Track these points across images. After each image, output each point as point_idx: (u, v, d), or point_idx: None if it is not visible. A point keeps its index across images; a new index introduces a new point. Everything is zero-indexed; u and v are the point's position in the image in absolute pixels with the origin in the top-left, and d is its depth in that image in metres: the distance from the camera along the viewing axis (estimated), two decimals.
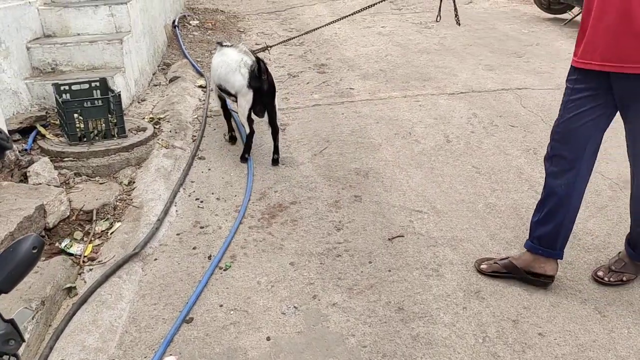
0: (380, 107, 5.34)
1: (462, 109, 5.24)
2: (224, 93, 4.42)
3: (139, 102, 5.50)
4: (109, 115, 4.45)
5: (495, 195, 3.90)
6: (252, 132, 4.31)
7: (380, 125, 4.98)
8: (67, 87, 4.64)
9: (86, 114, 4.32)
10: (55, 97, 4.44)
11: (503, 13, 8.63)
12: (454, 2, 4.06)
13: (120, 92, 4.49)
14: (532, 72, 6.16)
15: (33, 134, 4.46)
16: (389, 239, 3.45)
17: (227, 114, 4.78)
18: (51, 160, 4.16)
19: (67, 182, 4.07)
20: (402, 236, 3.48)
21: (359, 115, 5.20)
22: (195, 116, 5.21)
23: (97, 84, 4.75)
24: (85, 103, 4.31)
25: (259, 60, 4.05)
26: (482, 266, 3.16)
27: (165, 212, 3.72)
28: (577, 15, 7.69)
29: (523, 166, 4.27)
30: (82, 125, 4.34)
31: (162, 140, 4.56)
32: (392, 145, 4.65)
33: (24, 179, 3.97)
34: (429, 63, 6.53)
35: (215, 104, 4.71)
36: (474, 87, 5.74)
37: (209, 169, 4.35)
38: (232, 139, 4.74)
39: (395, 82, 5.97)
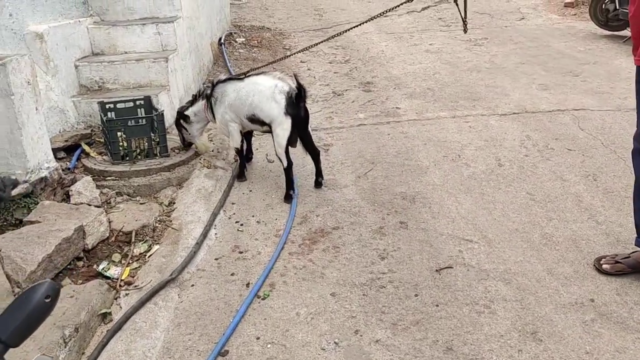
0: (428, 127, 5.15)
1: (514, 131, 4.99)
2: (255, 124, 4.09)
3: None
4: (152, 134, 4.41)
5: (552, 225, 3.64)
6: (290, 163, 4.04)
7: (427, 147, 4.79)
8: (112, 106, 4.65)
9: (129, 132, 4.30)
10: (100, 116, 4.44)
11: (557, 30, 8.30)
12: (464, 5, 3.60)
13: (163, 110, 4.46)
14: (590, 92, 5.84)
15: (77, 152, 4.47)
16: (436, 270, 3.25)
17: (243, 154, 4.48)
18: (94, 179, 4.15)
19: (108, 201, 4.04)
20: (451, 267, 3.27)
21: (405, 136, 5.02)
22: None
23: (142, 102, 4.74)
24: (128, 122, 4.29)
25: (300, 87, 3.82)
26: (604, 266, 3.11)
27: (204, 235, 3.62)
28: None
29: (582, 193, 4.00)
30: (125, 144, 4.32)
31: (204, 160, 4.49)
32: (440, 168, 4.44)
33: (67, 197, 3.96)
34: (479, 82, 6.30)
35: (235, 142, 4.26)
36: (527, 107, 5.47)
37: (250, 190, 4.24)
38: (243, 176, 4.44)
39: (444, 102, 5.77)
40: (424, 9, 9.85)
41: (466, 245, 3.48)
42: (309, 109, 4.09)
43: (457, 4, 3.48)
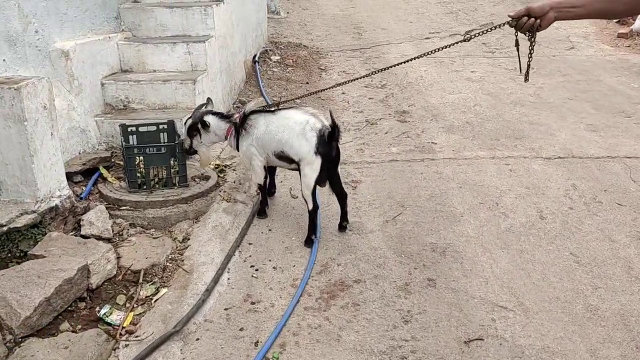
0: (465, 168, 4.81)
1: (559, 178, 4.62)
2: (283, 161, 3.83)
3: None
4: (172, 162, 4.21)
5: (598, 295, 3.28)
6: (316, 207, 3.79)
7: (463, 191, 4.46)
8: (134, 129, 4.47)
9: (148, 160, 4.11)
10: (121, 140, 4.26)
11: (609, 62, 7.83)
12: (529, 54, 2.61)
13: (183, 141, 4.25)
14: None
15: (94, 177, 4.30)
16: (465, 342, 2.94)
17: (266, 190, 4.21)
18: (108, 208, 3.97)
19: (120, 233, 3.85)
20: (482, 339, 2.96)
21: (440, 177, 4.69)
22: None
23: (165, 126, 4.55)
24: (147, 149, 4.10)
25: (334, 125, 3.55)
26: None
27: (216, 280, 3.38)
28: None
29: (633, 259, 3.61)
30: (143, 172, 4.12)
31: (224, 192, 4.27)
32: (475, 217, 4.11)
33: (78, 226, 3.78)
34: (522, 118, 5.93)
35: (258, 178, 4.02)
36: (574, 151, 5.08)
37: (270, 230, 3.99)
38: (263, 213, 4.18)
39: (483, 139, 5.42)
40: (467, 33, 9.48)
41: (500, 312, 3.15)
42: (340, 147, 3.82)
43: (517, 49, 2.86)
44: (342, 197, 3.91)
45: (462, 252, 3.72)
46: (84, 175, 4.35)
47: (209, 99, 4.26)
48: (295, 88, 6.83)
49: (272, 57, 7.70)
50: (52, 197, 3.63)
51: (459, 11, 11.23)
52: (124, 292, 3.35)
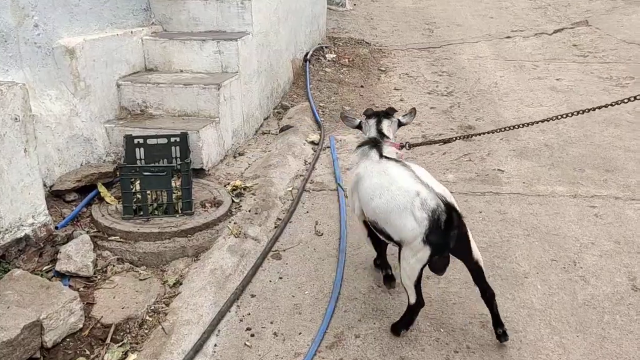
0: (536, 208, 3.86)
1: None
2: (378, 233, 2.84)
3: (234, 158, 4.61)
4: (175, 184, 3.57)
5: None
6: (419, 303, 2.72)
7: (531, 241, 3.52)
8: (141, 141, 3.87)
9: (146, 183, 3.47)
10: (123, 154, 3.67)
11: None
12: None
13: (190, 160, 3.59)
14: None
15: (87, 197, 3.72)
16: None
17: (378, 241, 3.03)
18: (95, 237, 3.38)
19: (104, 269, 3.25)
20: None
21: (503, 219, 3.78)
22: (290, 188, 4.16)
23: (177, 139, 3.93)
24: (145, 171, 3.46)
25: (450, 208, 2.45)
26: None
27: (197, 349, 2.69)
28: None
29: None
30: (139, 196, 3.50)
31: (234, 224, 3.57)
32: (544, 280, 3.19)
33: (56, 259, 3.21)
34: (616, 142, 4.84)
35: (361, 234, 3.18)
36: None
37: (280, 277, 3.25)
38: (389, 280, 3.14)
39: (564, 169, 4.41)
40: (556, 31, 8.28)
41: None
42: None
43: None
44: (487, 295, 2.70)
45: (521, 332, 2.83)
46: (82, 192, 3.79)
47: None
48: (347, 92, 6.04)
49: (327, 55, 6.93)
50: (22, 225, 3.07)
51: (549, 5, 9.94)
52: (87, 352, 2.73)
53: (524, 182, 4.21)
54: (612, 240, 3.50)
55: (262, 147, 4.87)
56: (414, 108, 3.26)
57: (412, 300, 2.70)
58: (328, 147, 4.83)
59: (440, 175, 4.36)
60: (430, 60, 7.19)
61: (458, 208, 2.51)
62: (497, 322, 2.71)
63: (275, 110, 5.57)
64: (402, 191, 2.57)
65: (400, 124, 3.12)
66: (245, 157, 4.64)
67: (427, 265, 2.59)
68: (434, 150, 4.80)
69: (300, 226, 3.72)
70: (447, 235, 2.45)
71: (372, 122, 3.06)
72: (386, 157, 2.83)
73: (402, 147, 3.10)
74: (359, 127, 3.14)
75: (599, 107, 2.66)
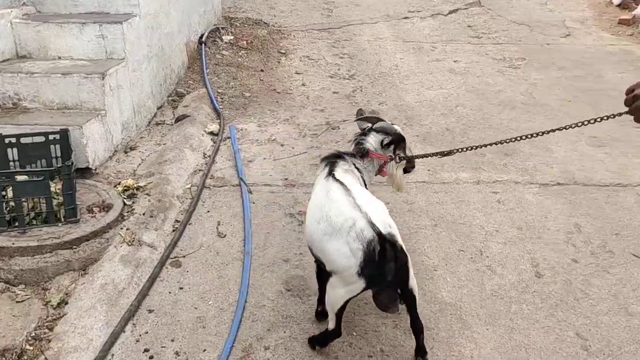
0: (442, 197, 3.85)
1: (559, 215, 3.68)
2: (314, 257, 2.60)
3: (125, 153, 4.22)
4: (55, 189, 3.18)
5: None
6: (336, 333, 2.51)
7: (438, 232, 3.50)
8: (13, 140, 3.42)
9: (20, 190, 3.05)
10: None
11: (610, 54, 6.87)
12: None
13: (73, 162, 3.20)
14: None
15: None
16: None
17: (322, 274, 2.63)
18: None
19: None
20: None
21: (410, 209, 3.73)
22: (189, 185, 3.87)
23: (57, 136, 3.50)
24: (16, 176, 3.04)
25: (384, 240, 2.24)
26: None
27: None
28: None
29: None
30: (12, 204, 3.08)
31: (127, 230, 3.24)
32: (453, 272, 3.17)
33: None
34: (512, 124, 4.96)
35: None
36: (577, 175, 4.14)
37: (181, 288, 2.99)
38: (318, 316, 2.79)
39: (466, 154, 4.40)
40: (451, 12, 8.42)
41: None
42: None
43: None
44: (415, 327, 2.52)
45: (433, 329, 2.78)
46: None
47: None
48: (247, 77, 5.76)
49: (223, 37, 6.58)
50: None
51: None
52: None
53: (429, 170, 4.19)
54: (514, 227, 3.55)
55: (157, 139, 4.51)
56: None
57: (331, 326, 2.51)
58: (228, 138, 4.56)
59: None
60: (330, 42, 7.05)
61: (397, 239, 2.33)
62: (420, 352, 2.55)
63: (170, 98, 5.20)
64: (339, 219, 2.35)
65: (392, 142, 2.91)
66: (137, 152, 4.27)
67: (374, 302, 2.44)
68: (338, 138, 4.67)
69: (201, 228, 3.46)
70: (382, 267, 2.26)
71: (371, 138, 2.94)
72: (334, 178, 2.57)
73: (391, 159, 2.91)
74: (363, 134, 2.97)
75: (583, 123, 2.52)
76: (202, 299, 2.92)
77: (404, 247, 2.37)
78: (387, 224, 2.35)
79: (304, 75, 5.97)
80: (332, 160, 2.74)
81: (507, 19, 8.23)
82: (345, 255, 2.28)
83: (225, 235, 3.40)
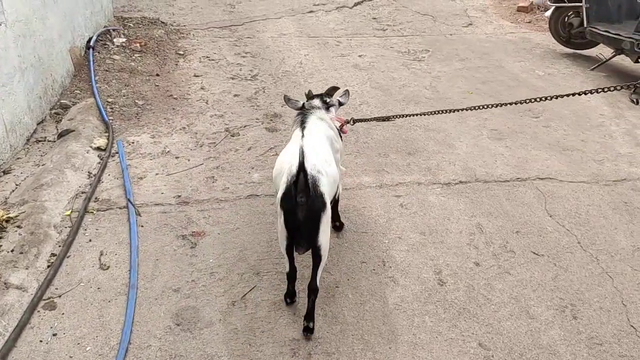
0: (344, 203, 3.69)
1: (461, 216, 3.63)
2: None
3: None
4: None
5: None
6: (289, 274, 2.81)
7: (340, 243, 3.35)
8: None
9: None
10: None
11: (510, 43, 6.98)
12: None
13: None
14: (556, 146, 4.54)
15: None
16: None
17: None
18: None
19: None
20: None
21: None
22: (69, 211, 3.51)
23: None
24: None
25: (300, 170, 2.47)
26: None
27: None
28: (611, 58, 6.05)
29: (558, 346, 2.69)
30: None
31: None
32: (355, 287, 3.03)
33: None
34: (416, 121, 4.89)
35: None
36: (478, 172, 4.12)
37: (55, 334, 2.68)
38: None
39: (369, 155, 4.33)
40: (356, 4, 8.32)
41: None
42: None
43: None
44: (309, 288, 2.70)
45: (334, 354, 2.62)
46: None
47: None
48: (141, 83, 5.38)
49: (115, 40, 6.14)
50: None
51: None
52: None
53: None
54: (417, 232, 3.46)
55: (36, 159, 4.10)
56: (347, 90, 3.43)
57: (285, 268, 2.79)
58: (118, 153, 4.21)
59: (245, 175, 4.02)
60: (232, 40, 6.75)
61: (318, 181, 2.55)
62: (308, 317, 2.71)
63: (53, 112, 4.76)
64: (287, 156, 2.73)
65: (340, 104, 3.31)
66: (12, 176, 3.85)
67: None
68: (238, 145, 4.42)
69: (81, 260, 3.13)
70: (295, 201, 2.47)
71: (316, 101, 3.16)
72: (301, 127, 2.88)
73: (347, 122, 3.38)
74: (302, 108, 3.11)
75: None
76: (78, 345, 2.62)
77: (325, 195, 2.57)
78: (317, 169, 2.59)
79: (203, 77, 5.66)
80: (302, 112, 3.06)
81: (412, 9, 8.23)
82: (279, 190, 2.62)
83: (108, 267, 3.09)
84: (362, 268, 3.17)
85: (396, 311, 2.89)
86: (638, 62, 5.64)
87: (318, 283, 2.68)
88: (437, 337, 2.75)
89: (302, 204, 2.49)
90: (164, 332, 2.71)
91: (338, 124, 3.24)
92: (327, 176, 2.66)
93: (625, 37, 5.59)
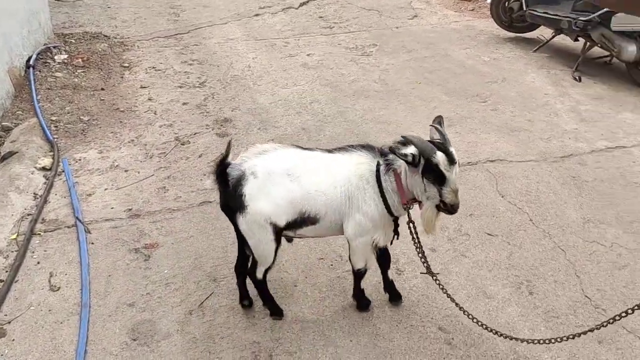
0: None
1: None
2: None
3: None
4: None
5: None
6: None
7: (296, 241, 3.30)
8: None
9: None
10: None
11: (455, 32, 7.08)
12: None
13: None
14: (504, 128, 4.62)
15: None
16: None
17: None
18: None
19: None
20: None
21: None
22: (14, 235, 3.39)
23: None
24: None
25: (225, 157, 2.53)
26: None
27: None
28: (551, 39, 6.21)
29: (515, 323, 2.72)
30: None
31: None
32: (313, 284, 3.01)
33: None
34: (367, 114, 4.91)
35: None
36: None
37: None
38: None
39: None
40: (302, 4, 8.32)
41: None
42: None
43: None
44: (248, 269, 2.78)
45: (296, 353, 2.60)
46: None
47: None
48: (85, 98, 5.26)
49: (56, 57, 5.98)
50: None
51: None
52: None
53: None
54: None
55: None
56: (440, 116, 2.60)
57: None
58: (64, 172, 4.09)
59: (196, 183, 3.96)
60: (178, 49, 6.66)
61: (246, 171, 2.46)
62: (242, 296, 2.83)
63: None
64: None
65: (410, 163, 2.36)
66: None
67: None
68: (189, 154, 4.35)
69: (30, 284, 3.02)
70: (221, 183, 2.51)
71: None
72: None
73: (408, 206, 2.50)
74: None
75: None
76: None
77: (247, 198, 2.43)
78: (254, 170, 2.46)
79: (150, 88, 5.56)
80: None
81: (357, 5, 8.27)
82: None
83: (59, 288, 3.00)
84: (320, 264, 3.16)
85: (355, 304, 2.88)
86: (577, 40, 5.78)
87: (256, 274, 2.67)
88: (397, 325, 2.76)
89: (224, 190, 2.50)
90: (120, 349, 2.64)
91: (396, 198, 2.47)
92: (268, 188, 2.43)
93: (563, 16, 5.73)
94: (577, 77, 5.53)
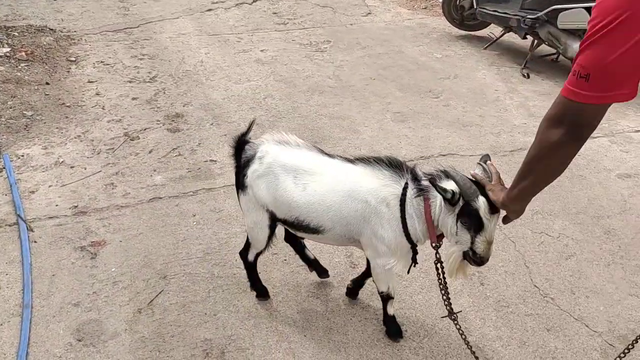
0: None
1: None
2: None
3: None
4: None
5: None
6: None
7: None
8: None
9: None
10: None
11: (408, 29, 7.15)
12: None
13: None
14: (456, 123, 4.68)
15: None
16: None
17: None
18: None
19: None
20: None
21: (219, 218, 3.46)
22: None
23: None
24: None
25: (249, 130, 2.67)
26: None
27: None
28: (501, 36, 6.34)
29: (467, 313, 2.75)
30: None
31: None
32: (267, 279, 2.96)
33: None
34: (321, 110, 4.89)
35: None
36: (383, 154, 4.14)
37: None
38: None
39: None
40: (256, 0, 8.24)
41: None
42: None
43: None
44: None
45: (248, 350, 2.57)
46: None
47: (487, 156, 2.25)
48: (29, 93, 5.05)
49: None
50: None
51: None
52: None
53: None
54: None
55: None
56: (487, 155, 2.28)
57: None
58: (4, 169, 3.91)
59: (146, 178, 3.85)
60: (128, 43, 6.48)
61: (261, 152, 2.47)
62: (308, 264, 2.90)
63: None
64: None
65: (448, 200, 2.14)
66: None
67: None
68: (138, 149, 4.23)
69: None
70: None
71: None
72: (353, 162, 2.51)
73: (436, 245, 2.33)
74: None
75: None
76: None
77: (249, 181, 2.45)
78: (271, 159, 2.42)
79: (98, 83, 5.38)
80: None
81: (311, 2, 8.25)
82: None
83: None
84: (274, 259, 3.12)
85: (310, 298, 2.86)
86: (526, 37, 5.92)
87: (247, 257, 2.71)
88: (351, 318, 2.74)
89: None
90: (65, 350, 2.53)
91: (419, 226, 2.28)
92: (271, 178, 2.37)
93: (512, 15, 5.85)
94: (525, 74, 5.67)
